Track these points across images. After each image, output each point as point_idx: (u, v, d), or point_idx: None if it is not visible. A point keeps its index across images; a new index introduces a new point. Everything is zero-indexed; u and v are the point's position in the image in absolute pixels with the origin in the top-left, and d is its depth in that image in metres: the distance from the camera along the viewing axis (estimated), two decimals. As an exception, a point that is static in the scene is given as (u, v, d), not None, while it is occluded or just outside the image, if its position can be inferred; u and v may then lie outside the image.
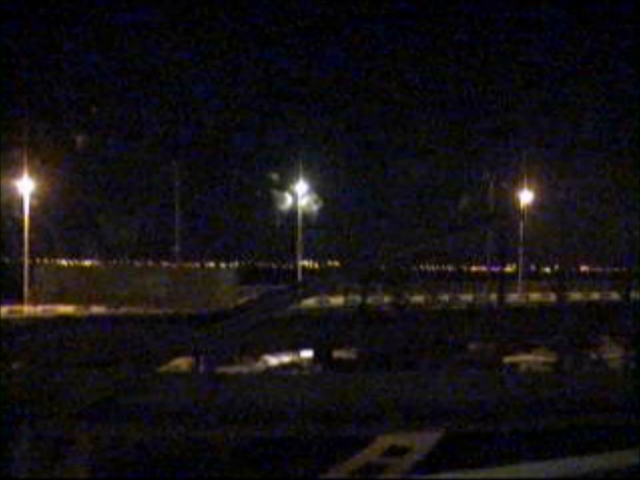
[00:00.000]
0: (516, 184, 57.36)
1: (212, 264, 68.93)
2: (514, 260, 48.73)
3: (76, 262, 59.22)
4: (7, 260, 54.67)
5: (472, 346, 25.34)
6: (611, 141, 70.24)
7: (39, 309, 38.50)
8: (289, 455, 17.75)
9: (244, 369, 24.88)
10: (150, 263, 62.51)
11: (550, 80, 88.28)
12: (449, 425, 16.78)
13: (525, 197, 56.95)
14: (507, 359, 22.77)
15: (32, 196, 45.75)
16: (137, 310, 35.65)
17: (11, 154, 46.16)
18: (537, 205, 56.80)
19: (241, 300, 30.52)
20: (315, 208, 57.77)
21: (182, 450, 18.12)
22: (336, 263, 65.44)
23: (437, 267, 58.24)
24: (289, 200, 56.60)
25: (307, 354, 27.29)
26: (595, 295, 47.57)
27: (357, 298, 27.19)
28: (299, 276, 53.26)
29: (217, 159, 72.84)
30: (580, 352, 21.20)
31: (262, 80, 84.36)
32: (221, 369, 17.68)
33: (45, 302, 38.83)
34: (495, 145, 74.88)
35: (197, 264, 64.27)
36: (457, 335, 23.03)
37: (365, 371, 20.44)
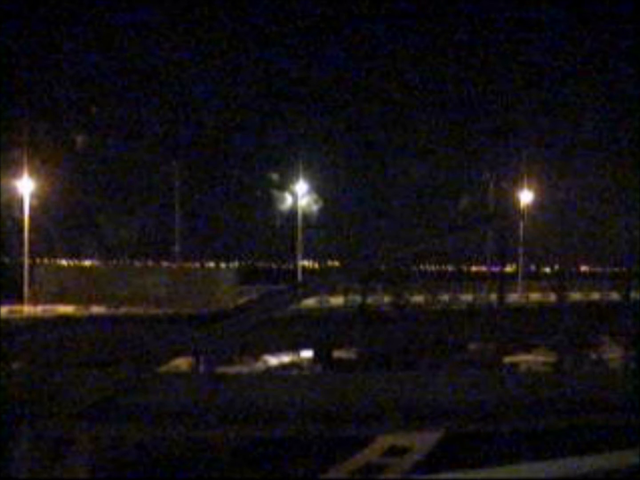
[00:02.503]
0: (516, 184, 57.43)
1: (212, 264, 68.96)
2: (514, 260, 48.75)
3: (76, 262, 59.23)
4: (7, 260, 54.67)
5: (472, 346, 25.34)
6: (611, 141, 70.34)
7: (39, 309, 38.49)
8: (289, 455, 17.75)
9: (244, 369, 24.88)
10: (150, 263, 62.52)
11: (550, 80, 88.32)
12: (449, 425, 16.78)
13: (525, 197, 56.99)
14: (507, 359, 22.77)
15: (32, 196, 45.74)
16: (137, 310, 35.65)
17: (11, 154, 46.17)
18: (537, 205, 56.84)
19: (241, 300, 30.51)
20: (315, 208, 57.84)
21: (182, 450, 18.12)
22: (336, 263, 65.45)
23: (437, 267, 58.24)
24: (289, 200, 56.67)
25: (307, 354, 27.29)
26: (595, 295, 47.52)
27: (357, 298, 27.20)
28: (299, 276, 53.26)
29: (217, 159, 72.86)
30: (580, 352, 21.20)
31: (262, 80, 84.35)
32: (221, 369, 17.68)
33: (45, 302, 38.82)
34: (495, 145, 74.90)
35: (197, 264, 64.28)
36: (457, 335, 23.01)
37: (365, 371, 20.42)
